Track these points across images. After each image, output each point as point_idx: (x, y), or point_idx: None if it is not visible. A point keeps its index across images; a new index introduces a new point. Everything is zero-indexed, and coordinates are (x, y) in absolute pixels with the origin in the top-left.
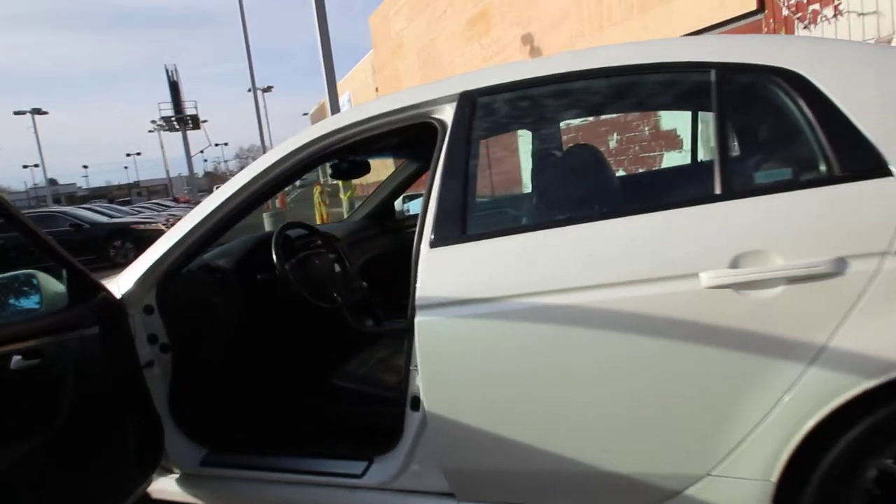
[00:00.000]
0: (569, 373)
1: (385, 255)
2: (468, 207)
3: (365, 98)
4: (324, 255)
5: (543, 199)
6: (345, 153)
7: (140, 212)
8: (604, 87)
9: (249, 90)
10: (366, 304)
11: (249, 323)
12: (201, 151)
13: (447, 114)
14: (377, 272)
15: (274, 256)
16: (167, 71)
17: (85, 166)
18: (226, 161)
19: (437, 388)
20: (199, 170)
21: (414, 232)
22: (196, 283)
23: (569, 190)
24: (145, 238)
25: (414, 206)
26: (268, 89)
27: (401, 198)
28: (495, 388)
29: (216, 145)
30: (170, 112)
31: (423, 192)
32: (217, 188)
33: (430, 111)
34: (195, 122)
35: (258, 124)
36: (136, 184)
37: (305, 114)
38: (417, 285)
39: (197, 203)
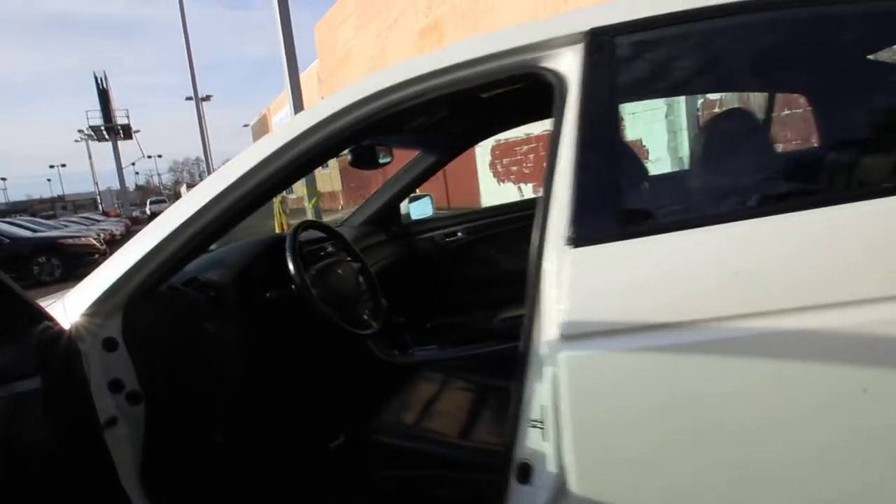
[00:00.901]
0: (833, 436)
1: (396, 266)
2: (624, 189)
3: None
4: (347, 265)
5: (742, 175)
6: (387, 127)
7: (67, 226)
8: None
9: (188, 98)
10: (389, 327)
11: (255, 358)
12: (133, 163)
13: (567, 62)
14: (391, 287)
15: (290, 266)
16: (96, 78)
17: (3, 179)
18: (159, 174)
19: (600, 457)
20: (131, 183)
21: (426, 239)
22: (180, 305)
23: (782, 162)
24: (73, 254)
25: (417, 210)
26: (207, 98)
27: (406, 200)
28: (712, 456)
29: (149, 157)
30: (99, 121)
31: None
32: (142, 200)
33: (536, 58)
34: (126, 132)
35: (200, 132)
36: (61, 197)
37: (246, 125)
38: (555, 304)
39: (129, 217)
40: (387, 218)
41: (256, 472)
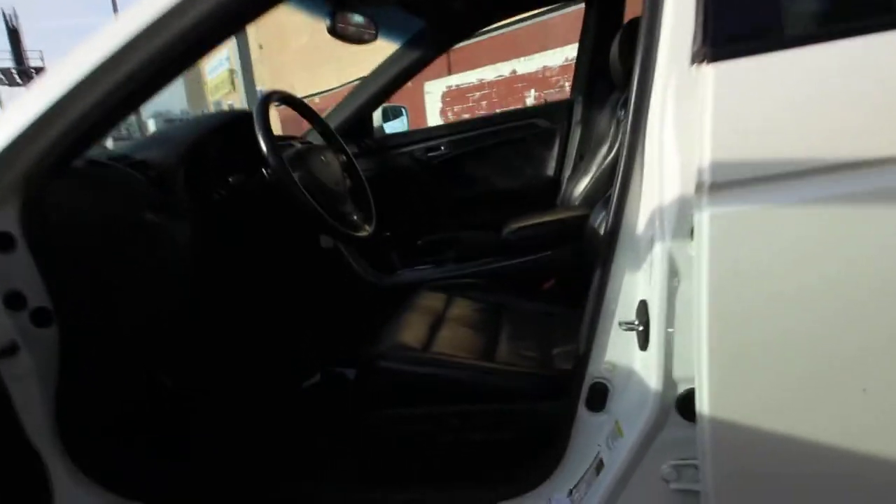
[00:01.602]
0: None
1: (372, 183)
2: None
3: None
4: (330, 154)
5: None
6: None
7: None
8: None
9: None
10: (373, 243)
11: (211, 267)
12: None
13: None
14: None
15: (262, 142)
16: (5, 16)
17: None
18: None
19: (750, 362)
20: None
21: (404, 154)
22: (106, 186)
23: None
24: None
25: (390, 123)
26: None
27: (379, 110)
28: None
29: None
30: (9, 63)
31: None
32: None
33: None
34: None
35: None
36: None
37: None
38: (678, 148)
39: None
40: (357, 130)
41: (213, 422)
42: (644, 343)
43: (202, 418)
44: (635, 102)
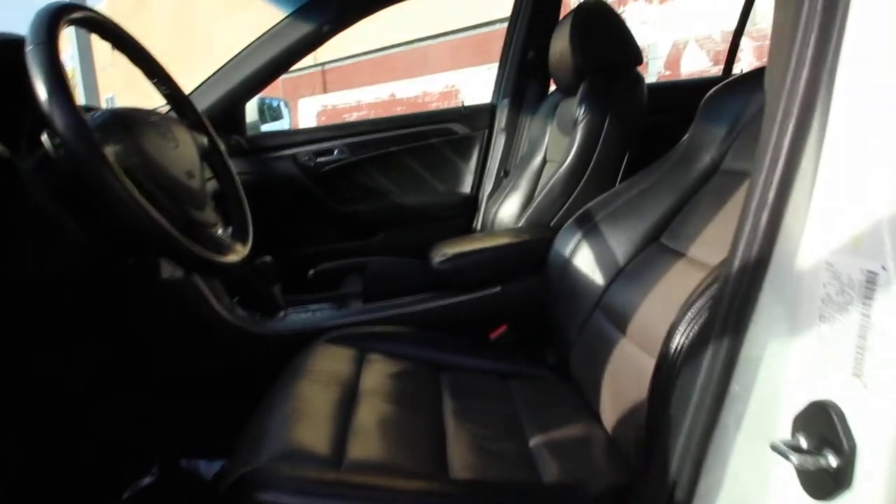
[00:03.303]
0: None
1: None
2: None
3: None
4: (182, 131)
5: None
6: None
7: None
8: None
9: None
10: (245, 273)
11: None
12: None
13: None
14: None
15: (41, 87)
16: None
17: None
18: None
19: None
20: None
21: (285, 158)
22: None
23: None
24: None
25: (267, 118)
26: None
27: (255, 100)
28: None
29: None
30: None
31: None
32: None
33: None
34: None
35: None
36: None
37: None
38: None
39: None
40: (224, 123)
41: None
42: (832, 487)
43: None
44: (815, 47)
